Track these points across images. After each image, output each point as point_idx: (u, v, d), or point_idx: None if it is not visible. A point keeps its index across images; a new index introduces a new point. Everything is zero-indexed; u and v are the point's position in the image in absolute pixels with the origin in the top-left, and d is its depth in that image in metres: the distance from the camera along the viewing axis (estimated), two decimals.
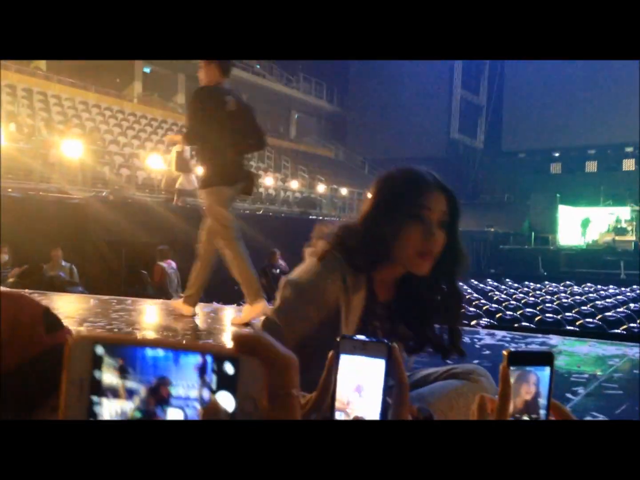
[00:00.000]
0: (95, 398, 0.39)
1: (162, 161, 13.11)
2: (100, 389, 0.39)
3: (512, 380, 0.60)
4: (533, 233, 19.90)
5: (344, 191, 18.41)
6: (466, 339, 3.74)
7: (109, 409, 0.39)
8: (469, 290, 10.13)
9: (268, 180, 17.24)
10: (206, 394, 0.38)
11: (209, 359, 0.38)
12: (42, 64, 18.77)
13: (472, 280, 11.40)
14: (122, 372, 0.39)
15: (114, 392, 0.39)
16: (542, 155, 27.32)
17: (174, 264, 7.00)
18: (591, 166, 25.95)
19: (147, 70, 22.55)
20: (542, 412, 0.61)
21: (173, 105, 22.13)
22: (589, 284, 11.48)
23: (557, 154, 27.19)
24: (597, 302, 8.67)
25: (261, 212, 13.72)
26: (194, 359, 0.38)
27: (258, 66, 26.48)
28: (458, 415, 1.38)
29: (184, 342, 0.40)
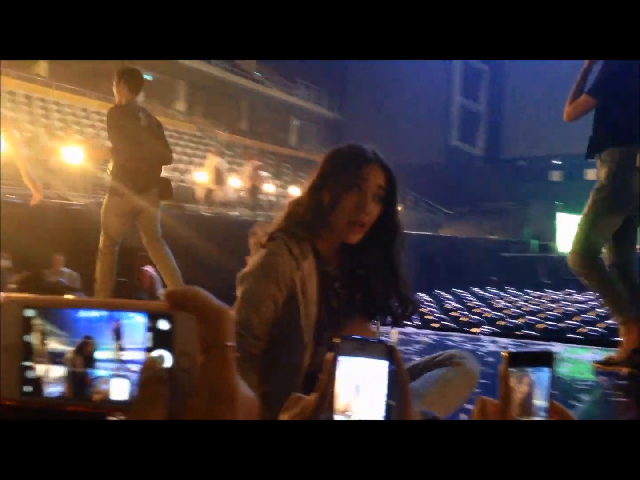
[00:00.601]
0: (27, 363, 0.38)
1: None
2: (31, 354, 0.38)
3: (512, 381, 0.59)
4: (534, 241, 19.90)
5: None
6: (468, 346, 3.72)
7: (42, 374, 0.38)
8: (469, 297, 10.10)
9: (268, 187, 17.25)
10: (142, 352, 0.37)
11: (143, 317, 0.37)
12: (42, 70, 18.81)
13: (473, 288, 11.37)
14: (54, 336, 0.38)
15: (46, 357, 0.38)
16: (543, 163, 27.35)
17: (152, 269, 7.12)
18: (591, 174, 25.97)
19: (148, 77, 22.63)
20: (543, 413, 0.60)
21: (173, 112, 22.17)
22: (590, 292, 11.45)
23: (557, 162, 27.23)
24: (600, 309, 8.65)
25: (262, 219, 13.73)
26: (129, 318, 0.38)
27: (258, 73, 26.56)
28: (450, 401, 1.44)
29: (116, 301, 0.39)
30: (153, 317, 0.37)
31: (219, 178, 10.62)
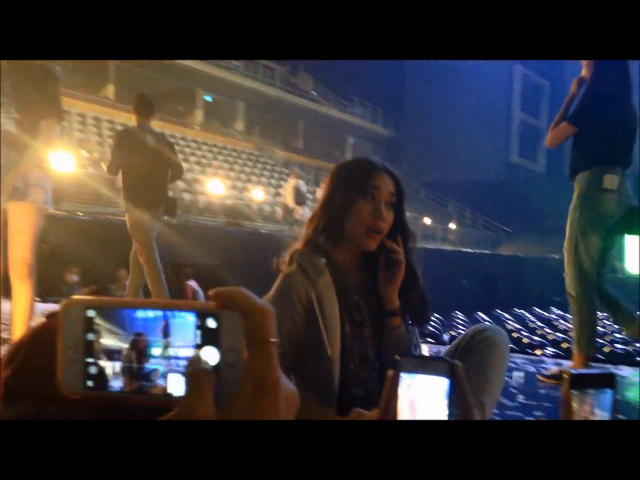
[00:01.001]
0: (89, 360, 0.41)
1: (222, 186, 13.69)
2: (93, 351, 0.41)
3: (573, 404, 0.57)
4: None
5: None
6: (532, 368, 3.61)
7: (103, 370, 0.41)
8: (531, 318, 9.81)
9: None
10: (191, 349, 0.40)
11: (192, 315, 0.40)
12: (110, 92, 19.72)
13: (536, 309, 11.04)
14: (113, 334, 0.41)
15: (106, 353, 0.41)
16: None
17: (195, 283, 7.34)
18: None
19: (208, 98, 23.32)
20: None
21: (233, 132, 22.74)
22: None
23: None
24: None
25: None
26: (180, 317, 0.40)
27: (315, 93, 26.93)
28: (495, 383, 1.42)
29: (168, 301, 0.41)
30: (201, 315, 0.40)
31: (299, 197, 11.24)
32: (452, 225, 21.68)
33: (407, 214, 1.55)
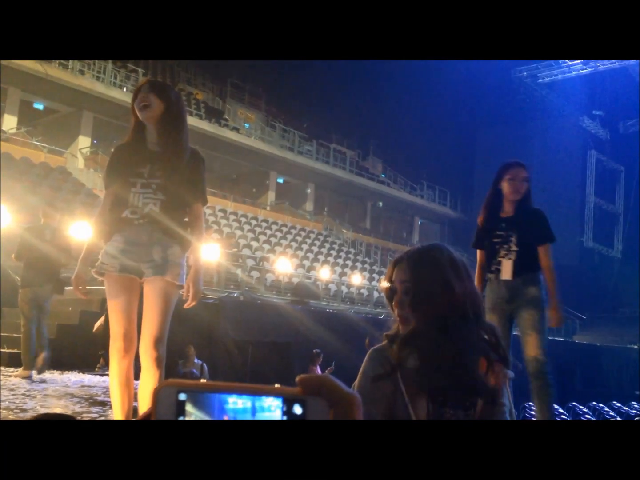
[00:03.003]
0: None
1: (289, 265, 13.94)
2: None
3: None
4: None
5: None
6: None
7: None
8: (611, 413, 9.16)
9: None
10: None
11: (279, 401, 0.41)
12: None
13: (615, 403, 10.31)
14: (203, 417, 0.42)
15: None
16: None
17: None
18: None
19: (280, 180, 24.23)
20: None
21: (302, 212, 23.35)
22: None
23: None
24: None
25: (382, 316, 13.69)
26: (266, 402, 0.41)
27: (383, 175, 27.47)
28: None
29: (255, 386, 0.42)
30: (288, 401, 0.41)
31: None
32: None
33: (482, 295, 1.58)
